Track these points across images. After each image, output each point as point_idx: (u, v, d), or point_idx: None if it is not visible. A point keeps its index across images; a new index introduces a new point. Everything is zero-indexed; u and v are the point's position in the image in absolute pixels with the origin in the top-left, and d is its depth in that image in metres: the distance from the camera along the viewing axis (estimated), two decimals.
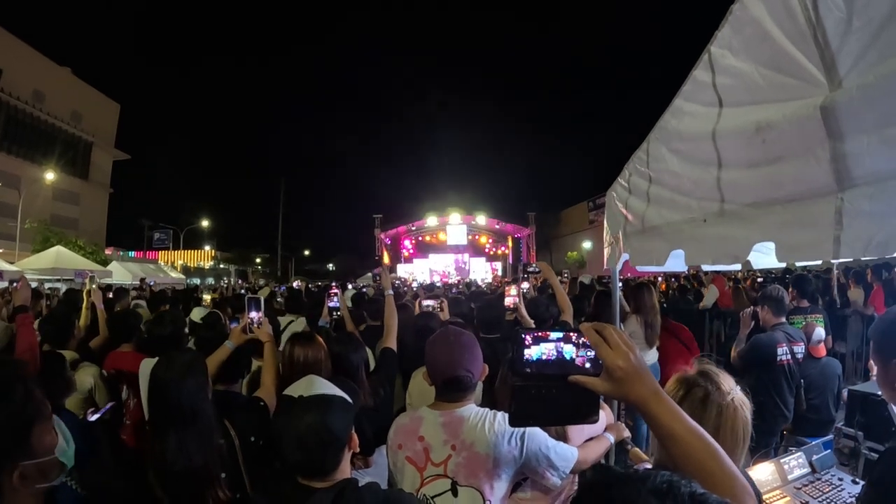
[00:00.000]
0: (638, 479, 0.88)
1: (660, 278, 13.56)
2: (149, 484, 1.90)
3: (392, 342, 3.08)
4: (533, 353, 0.93)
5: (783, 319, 3.92)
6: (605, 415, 2.33)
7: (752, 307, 4.14)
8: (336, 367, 2.55)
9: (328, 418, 1.41)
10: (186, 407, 1.91)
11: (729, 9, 1.71)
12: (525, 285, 4.13)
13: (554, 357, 0.93)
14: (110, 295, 8.35)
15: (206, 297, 8.40)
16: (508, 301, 3.54)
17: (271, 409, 2.18)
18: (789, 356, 3.78)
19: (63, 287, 13.40)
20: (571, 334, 0.94)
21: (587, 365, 0.93)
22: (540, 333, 0.94)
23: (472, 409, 1.88)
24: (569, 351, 0.93)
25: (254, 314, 2.57)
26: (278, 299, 8.54)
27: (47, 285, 14.02)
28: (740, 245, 1.77)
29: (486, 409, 1.89)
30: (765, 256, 1.98)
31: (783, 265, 1.95)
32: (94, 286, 4.51)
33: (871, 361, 1.94)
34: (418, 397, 2.81)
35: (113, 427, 3.16)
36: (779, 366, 3.75)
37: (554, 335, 0.94)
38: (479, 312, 4.17)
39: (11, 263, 14.43)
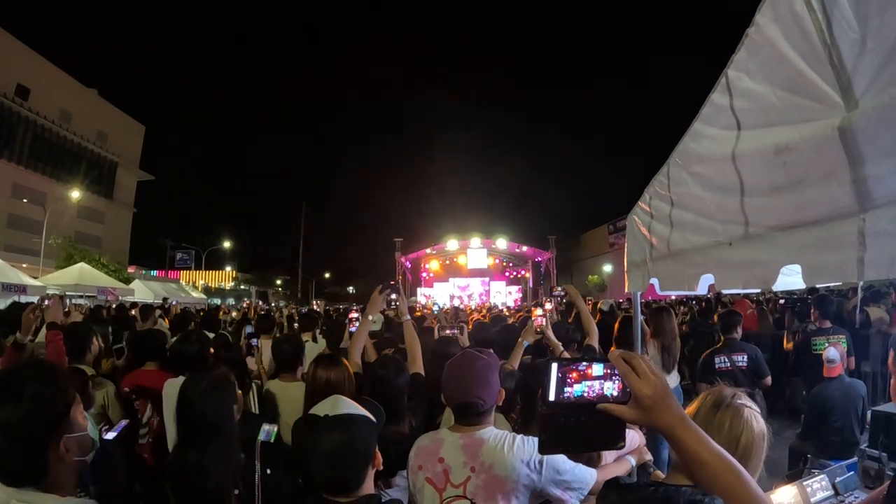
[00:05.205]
0: (644, 485, 0.89)
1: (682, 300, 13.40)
2: (164, 498, 1.94)
3: (419, 367, 2.97)
4: (574, 390, 0.92)
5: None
6: (637, 436, 2.30)
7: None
8: (378, 390, 2.41)
9: (354, 436, 1.44)
10: (210, 423, 1.95)
11: (745, 32, 1.72)
12: (549, 305, 4.08)
13: (594, 394, 0.93)
14: (133, 312, 8.51)
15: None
16: (535, 324, 3.47)
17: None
18: (728, 364, 4.43)
19: (87, 303, 13.66)
20: (609, 371, 0.94)
21: (615, 393, 0.94)
22: (578, 370, 0.93)
23: (491, 432, 1.89)
24: (609, 388, 0.93)
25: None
26: (295, 323, 8.52)
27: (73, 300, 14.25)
28: (768, 268, 1.77)
29: (506, 432, 1.90)
30: (786, 277, 1.97)
31: (804, 286, 1.96)
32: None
33: (891, 368, 1.91)
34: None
35: (129, 444, 3.18)
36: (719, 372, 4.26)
37: (596, 371, 0.93)
38: (497, 336, 4.17)
39: (35, 278, 14.69)
